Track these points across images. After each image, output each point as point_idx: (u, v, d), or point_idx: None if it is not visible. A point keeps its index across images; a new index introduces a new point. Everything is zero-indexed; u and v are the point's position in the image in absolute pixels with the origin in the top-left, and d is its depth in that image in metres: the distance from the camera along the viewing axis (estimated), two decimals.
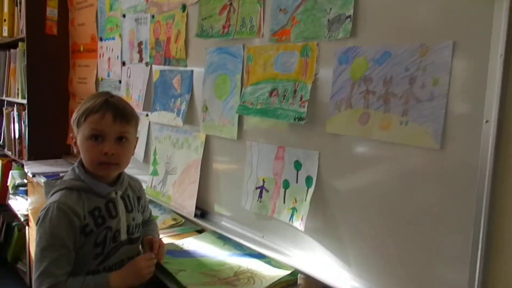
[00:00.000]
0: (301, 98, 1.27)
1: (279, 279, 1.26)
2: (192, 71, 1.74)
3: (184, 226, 1.78)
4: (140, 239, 1.31)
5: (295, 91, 1.29)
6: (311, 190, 1.26)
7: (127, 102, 1.27)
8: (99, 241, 1.17)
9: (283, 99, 1.32)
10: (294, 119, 1.28)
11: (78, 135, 1.19)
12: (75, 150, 1.23)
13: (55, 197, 1.15)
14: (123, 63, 2.20)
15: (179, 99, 1.81)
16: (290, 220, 1.33)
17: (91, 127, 1.15)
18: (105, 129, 1.15)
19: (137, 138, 1.29)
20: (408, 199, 1.04)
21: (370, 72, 1.10)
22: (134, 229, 1.27)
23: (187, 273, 1.29)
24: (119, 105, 1.19)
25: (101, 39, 2.41)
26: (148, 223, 1.43)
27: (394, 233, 1.07)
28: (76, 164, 1.24)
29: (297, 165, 1.32)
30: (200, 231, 1.73)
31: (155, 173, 1.97)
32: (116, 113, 1.16)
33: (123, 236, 1.22)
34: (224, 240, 1.58)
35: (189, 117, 1.76)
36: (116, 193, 1.23)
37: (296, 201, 1.32)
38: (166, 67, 1.88)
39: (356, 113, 1.14)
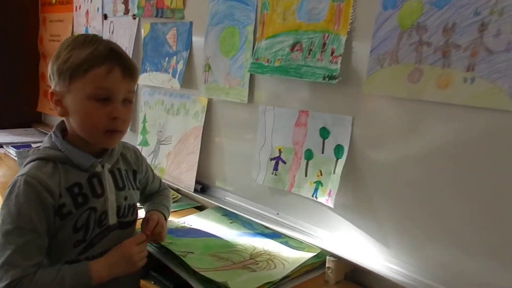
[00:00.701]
0: (332, 53, 1.07)
1: (304, 262, 1.09)
2: (191, 23, 1.50)
3: (181, 202, 1.58)
4: (135, 222, 1.09)
5: (324, 44, 1.09)
6: (341, 161, 1.09)
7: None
8: (80, 225, 0.94)
9: (309, 54, 1.12)
10: (324, 78, 1.08)
11: (70, 92, 0.92)
12: (58, 112, 0.96)
13: (25, 169, 0.92)
14: (105, 16, 1.93)
15: (174, 57, 1.57)
16: (313, 195, 1.16)
17: (96, 84, 0.90)
18: (114, 87, 0.91)
19: None
20: (469, 173, 0.87)
21: (425, 18, 0.91)
22: (127, 211, 1.03)
23: (196, 255, 1.11)
24: (126, 57, 0.95)
25: None
26: (156, 195, 1.22)
27: (447, 212, 0.91)
28: (53, 129, 0.99)
29: (324, 133, 1.13)
30: (200, 207, 1.54)
31: (145, 143, 1.75)
32: (125, 68, 0.92)
33: (112, 219, 0.99)
34: (230, 217, 1.40)
35: (187, 79, 1.53)
36: (103, 166, 0.99)
37: (321, 174, 1.14)
38: (159, 20, 1.63)
39: (404, 69, 0.95)
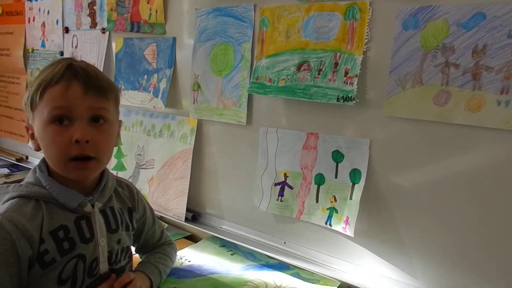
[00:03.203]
0: (346, 73, 1.01)
1: None
2: (174, 39, 1.38)
3: (169, 232, 1.43)
4: (127, 267, 0.95)
5: (336, 64, 1.03)
6: (359, 186, 1.03)
7: (99, 70, 0.87)
8: (66, 276, 0.80)
9: (318, 74, 1.06)
10: (338, 99, 1.02)
11: (35, 122, 0.80)
12: (33, 146, 0.84)
13: (2, 208, 0.78)
14: (66, 30, 1.74)
15: (155, 75, 1.44)
16: (327, 222, 1.09)
17: (52, 105, 0.77)
18: (73, 104, 0.77)
19: (120, 122, 0.91)
20: (504, 198, 0.85)
21: (452, 39, 0.88)
22: (120, 256, 0.91)
23: None
24: (90, 71, 0.81)
25: None
26: (154, 251, 1.05)
27: (477, 239, 0.89)
28: (38, 163, 0.86)
29: (337, 156, 1.07)
30: (190, 237, 1.41)
31: (120, 167, 1.60)
32: (87, 81, 0.78)
33: (103, 267, 0.86)
34: (229, 248, 1.30)
35: (171, 98, 1.41)
36: (93, 206, 0.86)
37: (336, 200, 1.08)
38: (134, 34, 1.49)
39: (429, 91, 0.91)
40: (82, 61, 0.84)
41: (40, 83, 0.78)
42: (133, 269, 0.97)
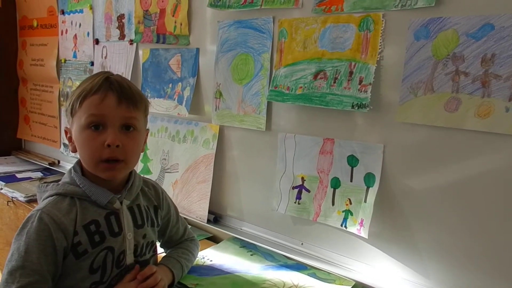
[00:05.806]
0: (360, 81, 1.06)
1: None
2: (197, 49, 1.46)
3: None
4: (152, 260, 1.03)
5: (351, 72, 1.08)
6: (373, 190, 1.07)
7: (132, 83, 0.97)
8: (97, 265, 0.89)
9: (334, 82, 1.11)
10: (353, 106, 1.07)
11: (73, 127, 0.91)
12: (70, 148, 0.94)
13: (42, 204, 0.89)
14: (96, 41, 1.84)
15: (180, 83, 1.52)
16: (342, 224, 1.14)
17: (89, 112, 0.88)
18: (107, 113, 0.88)
19: (147, 130, 1.01)
20: None
21: (462, 48, 0.92)
22: (145, 249, 0.99)
23: None
24: (124, 84, 0.91)
25: (63, 12, 2.01)
26: (177, 247, 1.13)
27: (488, 241, 0.92)
28: (74, 164, 0.96)
29: (353, 161, 1.12)
30: (212, 238, 1.48)
31: (146, 171, 1.68)
32: (120, 93, 0.89)
33: (129, 259, 0.95)
34: (249, 249, 1.35)
35: (195, 105, 1.48)
36: (121, 203, 0.95)
37: (351, 203, 1.12)
38: (160, 46, 1.57)
39: (440, 98, 0.95)
40: (118, 75, 0.94)
41: (80, 93, 0.89)
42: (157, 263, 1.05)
